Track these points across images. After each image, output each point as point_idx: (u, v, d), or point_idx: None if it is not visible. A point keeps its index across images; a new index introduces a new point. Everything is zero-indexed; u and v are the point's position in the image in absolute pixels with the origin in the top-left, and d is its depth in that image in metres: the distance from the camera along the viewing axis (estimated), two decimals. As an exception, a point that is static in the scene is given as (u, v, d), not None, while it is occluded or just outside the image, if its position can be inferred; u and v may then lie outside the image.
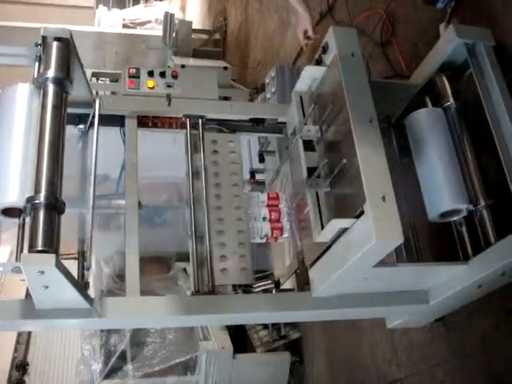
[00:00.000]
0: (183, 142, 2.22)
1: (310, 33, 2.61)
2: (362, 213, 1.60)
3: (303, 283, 2.03)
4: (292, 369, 4.04)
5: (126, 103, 2.22)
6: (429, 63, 2.13)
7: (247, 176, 2.54)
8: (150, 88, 2.25)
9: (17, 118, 1.77)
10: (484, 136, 1.88)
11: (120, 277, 4.40)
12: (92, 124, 2.16)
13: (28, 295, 1.68)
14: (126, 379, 3.97)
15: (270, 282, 2.15)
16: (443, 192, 1.93)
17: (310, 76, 2.03)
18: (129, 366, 4.00)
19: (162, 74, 2.28)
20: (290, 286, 2.21)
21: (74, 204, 2.04)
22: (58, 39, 1.81)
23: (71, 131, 2.09)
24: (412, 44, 2.62)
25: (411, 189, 2.05)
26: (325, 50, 1.94)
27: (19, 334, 5.21)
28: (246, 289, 2.03)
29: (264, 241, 2.19)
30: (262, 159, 2.54)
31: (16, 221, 1.67)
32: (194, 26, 6.16)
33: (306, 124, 1.97)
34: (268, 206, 2.21)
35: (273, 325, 4.01)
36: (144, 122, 2.24)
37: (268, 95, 3.58)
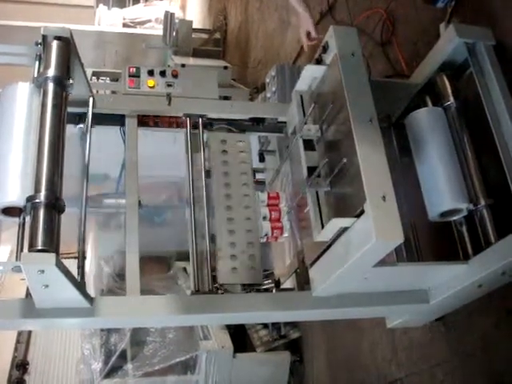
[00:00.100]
0: (183, 142, 2.22)
1: (313, 33, 2.61)
2: (362, 212, 1.60)
3: (303, 282, 2.04)
4: (292, 368, 4.03)
5: (126, 102, 2.23)
6: (429, 63, 2.13)
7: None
8: (150, 87, 2.25)
9: (17, 117, 1.77)
10: (484, 135, 1.88)
11: (120, 276, 4.40)
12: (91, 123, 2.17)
13: (28, 294, 1.68)
14: (126, 378, 3.97)
15: (270, 281, 2.15)
16: (443, 191, 1.93)
17: (310, 75, 2.03)
18: (129, 366, 4.00)
19: (163, 74, 2.28)
20: (290, 285, 2.21)
21: (74, 203, 2.04)
22: (58, 38, 1.81)
23: (71, 130, 2.09)
24: (412, 43, 2.62)
25: (411, 188, 2.05)
26: (325, 49, 1.94)
27: (19, 333, 5.21)
28: (256, 288, 2.04)
29: (264, 240, 2.19)
30: (262, 158, 2.54)
31: (16, 220, 1.67)
32: (195, 26, 6.16)
33: (306, 123, 1.97)
34: (268, 205, 2.21)
35: (273, 324, 4.01)
36: (145, 121, 2.24)
37: (268, 94, 3.58)
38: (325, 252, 1.82)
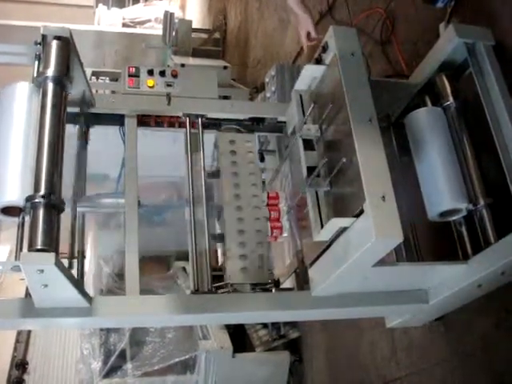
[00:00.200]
0: (183, 142, 2.22)
1: (313, 34, 2.61)
2: (361, 212, 1.60)
3: (303, 282, 2.04)
4: (291, 368, 4.03)
5: (125, 102, 2.22)
6: (429, 62, 2.13)
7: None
8: (150, 87, 2.25)
9: (16, 116, 1.77)
10: (484, 135, 1.88)
11: (120, 276, 4.40)
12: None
13: (27, 294, 1.68)
14: (125, 378, 3.98)
15: (269, 281, 2.15)
16: (443, 191, 1.93)
17: (309, 75, 2.03)
18: (128, 365, 4.01)
19: (162, 73, 2.28)
20: (290, 285, 2.21)
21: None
22: (57, 38, 1.81)
23: (71, 130, 2.09)
24: (412, 43, 2.62)
25: (411, 188, 2.05)
26: (325, 49, 1.94)
27: (19, 333, 5.21)
28: (265, 288, 2.04)
29: (264, 240, 2.19)
30: (261, 158, 2.54)
31: (16, 220, 1.67)
32: (194, 25, 6.16)
33: (305, 123, 1.97)
34: (268, 205, 2.21)
35: (272, 324, 4.01)
36: (145, 121, 2.24)
37: (268, 94, 3.58)
38: (324, 252, 1.82)
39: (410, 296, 1.97)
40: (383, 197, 1.58)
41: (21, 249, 1.61)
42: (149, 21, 8.27)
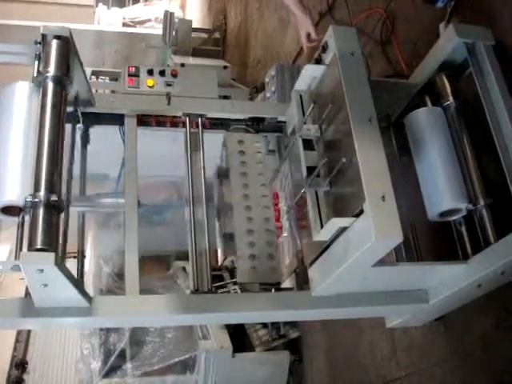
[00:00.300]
0: (183, 141, 2.22)
1: (313, 35, 2.61)
2: (361, 212, 1.60)
3: (302, 282, 2.03)
4: (291, 368, 4.03)
5: (125, 102, 2.23)
6: (428, 62, 2.13)
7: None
8: (150, 87, 2.25)
9: (16, 116, 1.77)
10: (484, 135, 1.88)
11: (119, 276, 4.40)
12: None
13: (27, 294, 1.68)
14: (125, 378, 3.98)
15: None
16: (443, 191, 1.93)
17: (309, 75, 2.03)
18: (128, 365, 4.01)
19: (162, 73, 2.28)
20: (290, 285, 2.21)
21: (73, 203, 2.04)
22: (57, 37, 1.81)
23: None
24: (412, 43, 2.62)
25: (411, 188, 2.05)
26: (324, 49, 1.94)
27: (18, 333, 5.22)
28: (275, 287, 2.04)
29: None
30: (261, 158, 2.54)
31: (15, 219, 1.67)
32: (194, 25, 6.15)
33: (305, 123, 1.97)
34: (268, 204, 2.22)
35: (272, 324, 4.01)
36: (145, 120, 2.24)
37: (268, 94, 3.58)
38: (324, 252, 1.82)
39: (410, 296, 1.97)
40: (383, 197, 1.58)
41: (21, 248, 1.61)
42: (149, 20, 8.27)
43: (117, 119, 2.20)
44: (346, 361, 3.31)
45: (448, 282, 1.89)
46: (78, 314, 1.75)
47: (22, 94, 1.81)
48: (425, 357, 2.48)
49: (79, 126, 2.16)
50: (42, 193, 1.55)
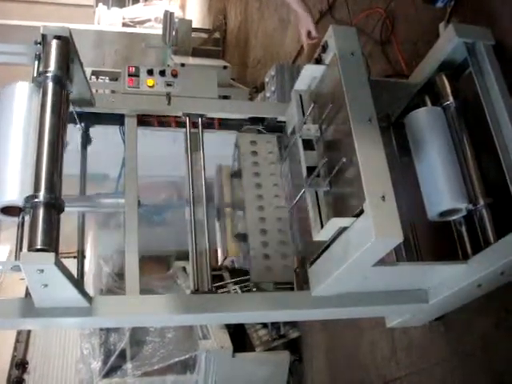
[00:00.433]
0: (183, 141, 2.22)
1: (314, 33, 2.61)
2: (361, 212, 1.60)
3: (302, 282, 2.03)
4: (291, 368, 4.04)
5: (125, 102, 2.23)
6: (428, 62, 2.13)
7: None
8: (150, 87, 2.25)
9: (16, 116, 1.77)
10: (483, 135, 1.88)
11: (119, 276, 4.40)
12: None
13: (27, 294, 1.68)
14: (125, 378, 3.98)
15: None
16: (443, 191, 1.93)
17: (309, 75, 2.03)
18: (128, 365, 4.01)
19: (162, 73, 2.28)
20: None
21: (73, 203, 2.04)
22: (57, 37, 1.81)
23: (71, 130, 2.09)
24: (412, 43, 2.62)
25: (411, 188, 2.05)
26: (324, 48, 1.94)
27: (19, 333, 5.21)
28: (288, 286, 2.05)
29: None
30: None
31: (15, 219, 1.67)
32: (194, 25, 6.15)
33: (305, 123, 1.97)
34: (267, 204, 2.21)
35: (272, 324, 4.01)
36: (145, 120, 2.24)
37: (268, 94, 3.58)
38: (324, 252, 1.82)
39: (410, 296, 1.97)
40: (383, 197, 1.58)
41: (21, 248, 1.61)
42: (149, 20, 8.27)
43: (117, 119, 2.20)
44: (346, 361, 3.31)
45: (448, 281, 1.89)
46: (78, 314, 1.75)
47: (22, 93, 1.81)
48: (425, 357, 2.48)
49: (79, 126, 2.16)
50: (41, 193, 1.55)
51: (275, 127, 2.35)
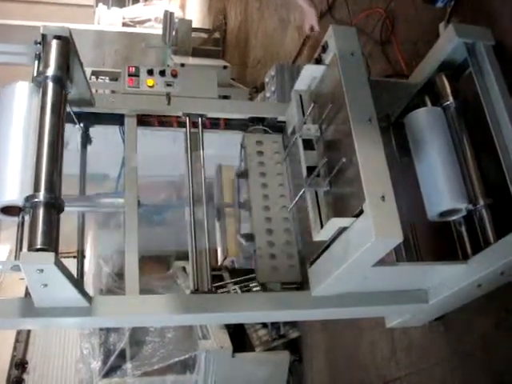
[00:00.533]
0: (183, 141, 2.22)
1: (317, 28, 2.63)
2: (361, 212, 1.60)
3: (303, 282, 2.04)
4: (291, 368, 4.04)
5: (125, 102, 2.23)
6: (428, 62, 2.13)
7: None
8: (150, 87, 2.25)
9: (16, 116, 1.77)
10: (483, 135, 1.88)
11: (119, 275, 4.40)
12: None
13: (27, 293, 1.68)
14: (125, 378, 3.98)
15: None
16: (442, 191, 1.93)
17: (309, 75, 2.03)
18: (128, 365, 4.01)
19: (162, 73, 2.28)
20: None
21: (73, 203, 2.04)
22: (57, 37, 1.81)
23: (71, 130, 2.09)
24: (412, 43, 2.62)
25: (410, 188, 2.05)
26: (324, 48, 1.94)
27: (18, 333, 5.21)
28: (295, 286, 2.04)
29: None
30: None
31: (15, 219, 1.67)
32: (194, 25, 6.15)
33: (305, 123, 1.97)
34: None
35: (272, 324, 4.01)
36: (145, 120, 2.24)
37: (268, 94, 3.58)
38: (324, 252, 1.82)
39: (410, 296, 1.97)
40: (383, 197, 1.58)
41: (20, 248, 1.61)
42: (149, 20, 8.27)
43: (117, 119, 2.20)
44: (346, 361, 3.31)
45: (448, 282, 1.89)
46: (78, 314, 1.75)
47: (22, 93, 1.81)
48: (425, 357, 2.48)
49: (79, 126, 2.16)
50: (41, 193, 1.55)
51: (275, 127, 2.35)
